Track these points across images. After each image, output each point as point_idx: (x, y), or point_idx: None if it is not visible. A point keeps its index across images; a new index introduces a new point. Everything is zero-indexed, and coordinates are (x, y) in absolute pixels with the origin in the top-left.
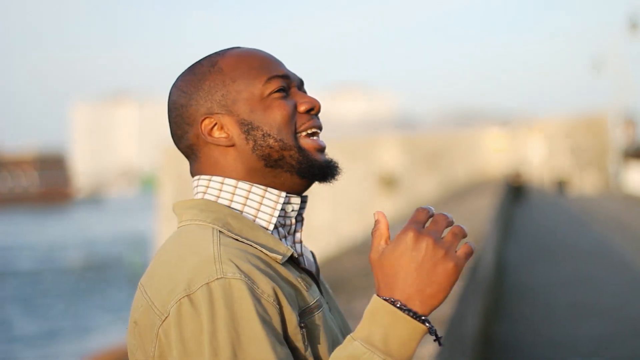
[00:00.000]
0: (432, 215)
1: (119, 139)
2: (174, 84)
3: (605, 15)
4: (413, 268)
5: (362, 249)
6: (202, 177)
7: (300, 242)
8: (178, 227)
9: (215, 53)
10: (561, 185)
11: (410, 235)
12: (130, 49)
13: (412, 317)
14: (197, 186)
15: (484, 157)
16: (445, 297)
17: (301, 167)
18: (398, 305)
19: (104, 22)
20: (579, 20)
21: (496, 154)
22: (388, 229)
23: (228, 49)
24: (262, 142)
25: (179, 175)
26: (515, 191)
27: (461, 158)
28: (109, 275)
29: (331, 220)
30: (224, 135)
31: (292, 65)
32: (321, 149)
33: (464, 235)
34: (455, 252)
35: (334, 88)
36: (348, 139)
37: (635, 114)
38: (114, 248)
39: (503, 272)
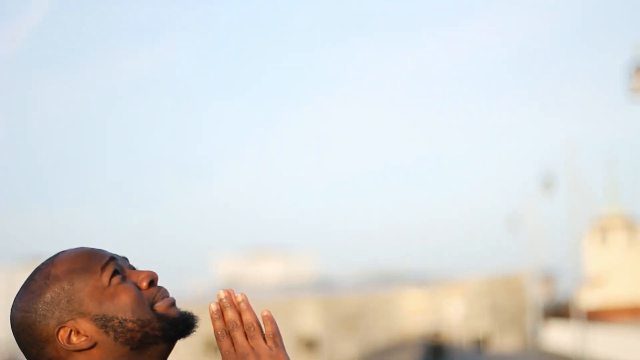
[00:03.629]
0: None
1: None
2: (13, 307)
3: (519, 174)
4: None
5: None
6: None
7: None
8: None
9: (44, 264)
10: (480, 344)
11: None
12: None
13: None
14: None
15: (403, 318)
16: None
17: (165, 333)
18: None
19: None
20: (493, 179)
21: (415, 315)
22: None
23: (55, 256)
24: (121, 329)
25: None
26: (435, 351)
27: (380, 319)
28: None
29: None
30: (83, 338)
31: (204, 227)
32: (173, 303)
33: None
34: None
35: (250, 251)
36: (266, 303)
37: (553, 271)
38: None
39: None
